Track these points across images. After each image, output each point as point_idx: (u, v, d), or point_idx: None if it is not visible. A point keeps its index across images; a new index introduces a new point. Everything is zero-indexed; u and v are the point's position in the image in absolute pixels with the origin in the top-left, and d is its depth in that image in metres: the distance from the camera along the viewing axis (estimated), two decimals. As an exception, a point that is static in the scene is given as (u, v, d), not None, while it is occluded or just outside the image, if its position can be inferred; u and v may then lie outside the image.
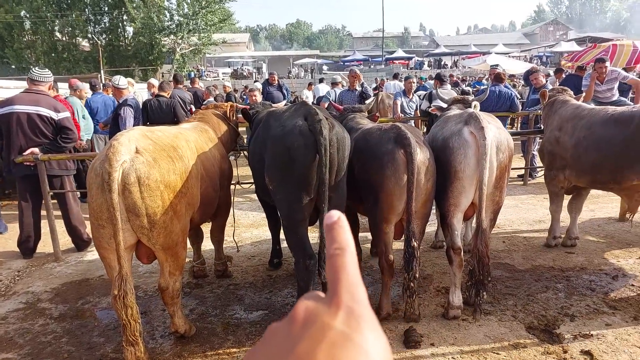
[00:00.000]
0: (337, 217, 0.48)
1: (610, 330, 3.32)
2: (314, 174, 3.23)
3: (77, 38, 36.84)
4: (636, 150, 3.71)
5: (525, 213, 6.48)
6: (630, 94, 11.32)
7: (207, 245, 4.93)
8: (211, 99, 10.32)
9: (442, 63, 42.30)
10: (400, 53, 46.72)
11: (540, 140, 5.92)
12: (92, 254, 5.43)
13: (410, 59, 43.04)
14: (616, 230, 5.51)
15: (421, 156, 3.27)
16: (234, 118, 4.89)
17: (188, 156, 3.32)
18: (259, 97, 8.66)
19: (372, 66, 42.15)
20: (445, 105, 4.89)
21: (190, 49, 39.47)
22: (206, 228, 4.71)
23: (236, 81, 35.07)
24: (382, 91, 11.76)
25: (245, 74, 40.70)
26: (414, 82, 8.54)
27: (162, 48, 37.90)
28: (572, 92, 5.35)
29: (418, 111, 8.25)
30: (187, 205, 3.24)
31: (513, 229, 5.79)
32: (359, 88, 8.48)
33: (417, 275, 3.22)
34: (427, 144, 3.53)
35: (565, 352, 3.11)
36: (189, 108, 8.62)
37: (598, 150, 4.04)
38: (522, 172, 8.37)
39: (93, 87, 8.59)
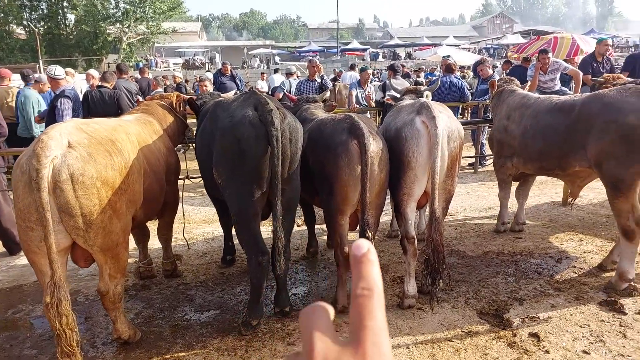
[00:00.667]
0: (366, 248, 0.44)
1: (556, 312, 3.44)
2: (266, 166, 3.11)
3: (11, 25, 34.38)
4: (577, 137, 3.83)
5: (475, 200, 6.65)
6: (571, 84, 11.95)
7: (155, 244, 4.69)
8: (160, 89, 9.88)
9: (397, 55, 42.99)
10: (355, 44, 46.96)
11: (490, 129, 6.07)
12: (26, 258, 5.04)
13: (365, 50, 43.36)
14: (560, 214, 5.76)
15: (374, 146, 3.22)
16: (181, 109, 4.66)
17: (129, 150, 3.10)
18: (209, 88, 8.39)
19: (327, 57, 42.11)
20: (398, 96, 4.88)
21: (138, 38, 37.85)
22: (153, 226, 4.47)
23: (188, 72, 33.98)
24: (339, 82, 11.71)
25: (197, 64, 39.45)
26: (370, 74, 8.53)
27: (107, 37, 36.16)
28: (518, 82, 5.50)
29: (372, 102, 8.26)
30: (128, 203, 3.03)
31: (464, 216, 5.92)
32: (318, 79, 8.38)
33: (371, 267, 3.18)
34: (380, 134, 3.49)
35: (514, 335, 3.19)
36: (135, 99, 8.21)
37: (544, 137, 4.16)
38: (473, 160, 8.62)
39: (25, 78, 7.98)
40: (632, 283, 3.61)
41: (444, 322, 3.42)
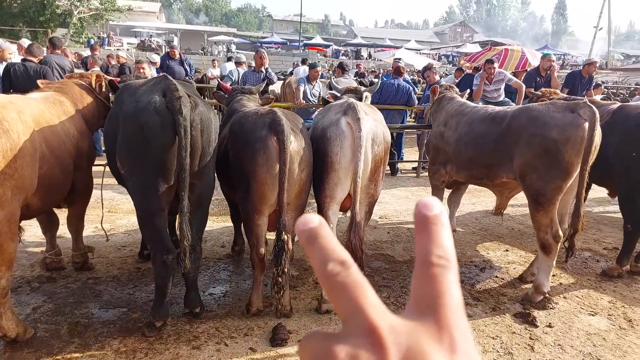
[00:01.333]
0: (438, 209, 0.38)
1: (470, 322, 3.44)
2: (173, 158, 2.88)
3: (-55, -14, 31.61)
4: (505, 148, 3.85)
5: (413, 204, 6.61)
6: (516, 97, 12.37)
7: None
8: (96, 68, 9.26)
9: (359, 54, 43.23)
10: (318, 40, 46.79)
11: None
12: None
13: (328, 46, 43.28)
14: (490, 223, 5.87)
15: (295, 145, 3.07)
16: (103, 90, 4.31)
17: (18, 131, 2.77)
18: (147, 71, 7.90)
19: (289, 50, 41.69)
20: (338, 95, 4.75)
21: (91, 13, 35.87)
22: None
23: (142, 53, 32.53)
24: (292, 76, 11.51)
25: (153, 46, 37.84)
26: (319, 71, 8.39)
27: (56, 9, 34.00)
28: (457, 90, 5.53)
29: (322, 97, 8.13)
30: (14, 189, 2.70)
31: (399, 220, 5.91)
32: (267, 68, 8.15)
33: (286, 270, 3.03)
34: (305, 132, 3.34)
35: (426, 345, 3.14)
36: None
37: (475, 146, 4.17)
38: (416, 164, 8.69)
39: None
40: (547, 296, 3.68)
41: (359, 329, 3.33)
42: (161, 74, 3.51)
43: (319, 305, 3.52)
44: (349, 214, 3.74)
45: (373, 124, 3.26)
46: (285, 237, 3.00)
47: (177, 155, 2.86)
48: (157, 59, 11.83)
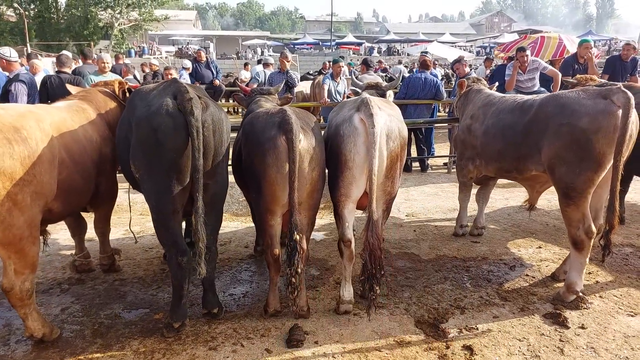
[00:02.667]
0: None
1: (496, 323, 3.27)
2: (186, 159, 2.90)
3: (1, 7, 33.74)
4: (533, 139, 3.65)
5: (442, 201, 6.47)
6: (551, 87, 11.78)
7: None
8: (130, 76, 9.58)
9: (392, 50, 42.67)
10: (350, 38, 46.59)
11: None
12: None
13: (360, 44, 43.02)
14: (523, 219, 5.59)
15: (305, 143, 3.01)
16: (126, 97, 4.42)
17: (37, 138, 2.87)
18: (176, 77, 8.11)
19: (322, 50, 41.71)
20: (359, 91, 4.66)
21: (130, 24, 37.30)
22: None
23: (179, 60, 33.53)
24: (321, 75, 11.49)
25: (190, 52, 38.92)
26: (342, 66, 8.30)
27: (99, 22, 35.62)
28: (485, 82, 5.31)
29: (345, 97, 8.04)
30: (33, 195, 2.80)
31: (427, 218, 5.74)
32: (288, 71, 8.17)
33: (300, 271, 2.98)
34: (317, 130, 3.28)
35: (447, 347, 3.01)
36: (101, 86, 7.93)
37: (503, 137, 3.98)
38: (447, 160, 8.43)
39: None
40: (580, 295, 3.45)
41: (377, 330, 3.24)
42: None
43: (337, 306, 3.45)
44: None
45: (387, 119, 3.16)
46: (298, 237, 2.95)
47: (190, 157, 2.88)
48: (189, 64, 12.14)
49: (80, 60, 9.53)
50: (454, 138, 4.88)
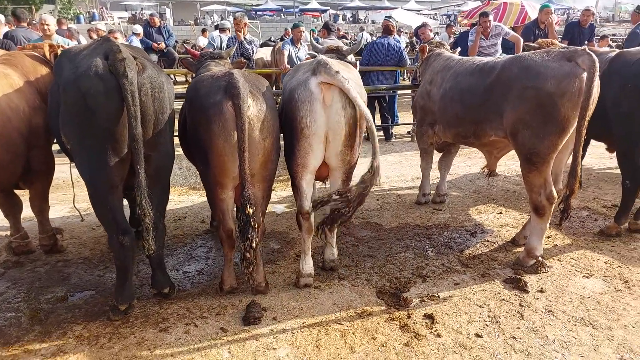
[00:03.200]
0: None
1: (457, 290, 3.23)
2: (122, 128, 2.61)
3: None
4: (494, 102, 3.53)
5: (405, 170, 6.39)
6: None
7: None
8: (74, 42, 8.83)
9: (357, 18, 41.93)
10: (314, 4, 45.27)
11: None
12: None
13: (324, 11, 41.96)
14: (484, 185, 5.59)
15: (255, 109, 2.77)
16: (60, 61, 3.99)
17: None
18: (120, 40, 7.51)
19: (284, 17, 40.47)
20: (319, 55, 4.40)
21: (78, -13, 34.93)
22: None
23: (133, 27, 31.73)
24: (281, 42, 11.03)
25: (145, 18, 36.81)
26: (303, 31, 7.93)
27: (41, -16, 33.11)
28: (448, 47, 5.16)
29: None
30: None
31: (389, 187, 5.65)
32: (246, 38, 7.72)
33: (254, 245, 2.79)
34: (270, 95, 3.03)
35: (409, 317, 2.94)
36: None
37: (461, 101, 3.86)
38: (412, 128, 8.35)
39: None
40: (539, 259, 3.45)
41: (338, 303, 3.13)
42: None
43: (297, 280, 3.31)
44: (328, 184, 3.50)
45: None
46: (251, 210, 2.74)
47: (126, 125, 2.59)
48: (139, 29, 11.38)
49: (13, 24, 8.69)
50: (413, 104, 4.74)
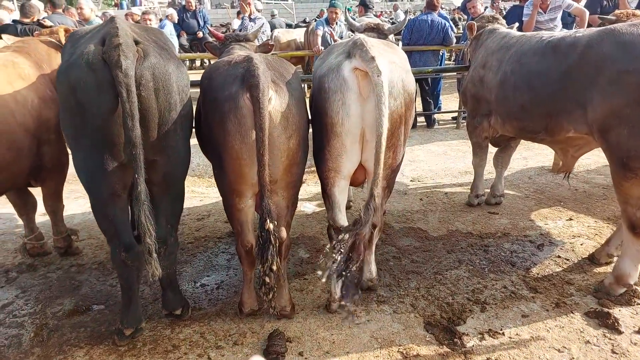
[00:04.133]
0: None
1: (527, 326, 2.62)
2: (120, 128, 2.15)
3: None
4: (575, 89, 2.84)
5: (452, 162, 5.72)
6: (574, 28, 10.64)
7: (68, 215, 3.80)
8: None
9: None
10: (351, -17, 44.00)
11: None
12: None
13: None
14: (548, 183, 4.86)
15: (277, 103, 2.25)
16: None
17: None
18: (155, 24, 7.14)
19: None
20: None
21: (119, -28, 35.44)
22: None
23: (167, 10, 31.82)
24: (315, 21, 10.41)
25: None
26: (338, 11, 7.28)
27: (82, -32, 33.80)
28: (504, 22, 4.42)
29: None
30: None
31: (435, 183, 5.02)
32: (251, 17, 7.18)
33: (276, 267, 2.30)
34: (297, 84, 2.50)
35: (466, 361, 2.38)
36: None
37: (529, 88, 3.17)
38: (456, 114, 7.59)
39: None
40: (633, 287, 2.77)
41: (378, 336, 2.61)
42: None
43: (329, 304, 2.81)
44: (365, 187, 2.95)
45: (388, 67, 2.36)
46: (271, 226, 2.24)
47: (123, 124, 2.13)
48: (171, 11, 11.03)
49: (48, 10, 8.51)
50: (462, 91, 4.07)
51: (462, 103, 4.07)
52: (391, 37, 3.81)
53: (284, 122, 2.27)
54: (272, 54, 6.89)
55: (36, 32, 4.13)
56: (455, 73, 7.50)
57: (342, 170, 2.52)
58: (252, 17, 7.10)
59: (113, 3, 34.18)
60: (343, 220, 2.63)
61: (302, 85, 2.63)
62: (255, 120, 2.12)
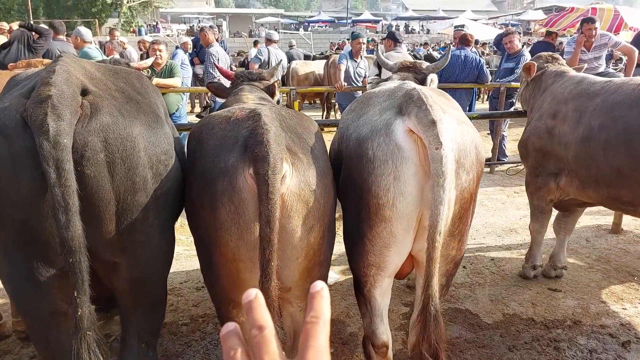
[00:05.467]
0: (320, 287, 0.52)
1: None
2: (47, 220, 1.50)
3: (7, -17, 33.22)
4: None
5: (492, 216, 5.02)
6: (610, 65, 10.03)
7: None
8: (115, 55, 8.18)
9: (410, 28, 40.78)
10: (367, 15, 44.45)
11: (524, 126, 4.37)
12: None
13: (377, 22, 40.99)
14: (610, 248, 4.12)
15: (294, 182, 1.61)
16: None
17: None
18: (164, 54, 6.62)
19: (336, 28, 39.89)
20: (388, 74, 3.21)
21: (140, 1, 36.40)
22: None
23: (181, 38, 32.38)
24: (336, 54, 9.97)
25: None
26: (364, 42, 6.77)
27: (107, 0, 34.98)
28: (564, 62, 3.81)
29: (366, 79, 6.53)
30: None
31: (477, 244, 4.30)
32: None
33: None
34: (322, 148, 1.86)
35: None
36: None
37: (627, 148, 2.52)
38: (489, 155, 6.92)
39: None
40: None
41: None
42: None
43: None
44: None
45: (457, 130, 1.73)
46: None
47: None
48: (185, 39, 10.69)
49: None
50: (521, 143, 3.42)
51: (521, 157, 3.40)
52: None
53: (303, 209, 1.62)
54: (291, 89, 6.30)
55: (10, 64, 3.60)
56: (515, 118, 6.84)
57: (388, 267, 1.85)
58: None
59: (131, 29, 34.87)
60: (385, 332, 1.93)
61: (326, 146, 1.96)
62: (261, 210, 1.47)
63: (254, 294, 0.51)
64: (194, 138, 1.83)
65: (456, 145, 1.69)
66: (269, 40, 8.18)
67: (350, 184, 1.88)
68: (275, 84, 2.96)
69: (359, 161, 1.81)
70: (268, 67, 6.91)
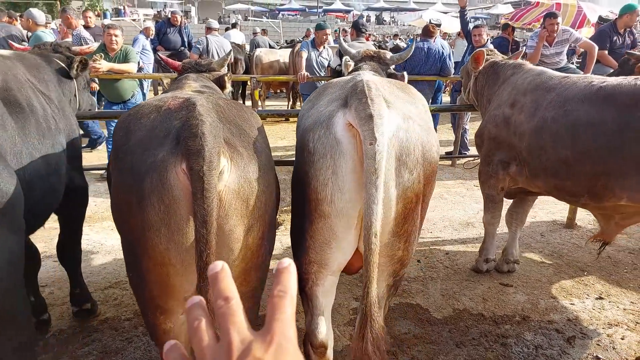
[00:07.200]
0: (287, 263, 0.53)
1: None
2: None
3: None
4: (635, 148, 2.24)
5: (450, 209, 5.03)
6: (573, 60, 10.26)
7: None
8: (69, 38, 7.71)
9: (381, 19, 40.89)
10: (338, 5, 44.14)
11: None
12: None
13: (348, 12, 40.82)
14: (564, 242, 4.19)
15: (232, 178, 1.48)
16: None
17: None
18: (120, 41, 6.21)
19: (307, 17, 39.53)
20: (351, 64, 3.11)
21: (105, -17, 34.97)
22: None
23: (143, 23, 31.35)
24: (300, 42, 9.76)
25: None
26: (328, 34, 6.62)
27: (71, -19, 33.32)
28: (497, 52, 3.95)
29: (329, 69, 6.40)
30: None
31: (433, 237, 4.29)
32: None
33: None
34: (262, 142, 1.74)
35: None
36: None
37: (574, 142, 2.54)
38: (451, 149, 6.96)
39: None
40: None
41: None
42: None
43: None
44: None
45: (401, 126, 1.63)
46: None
47: None
48: (148, 24, 10.20)
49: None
50: (477, 133, 3.40)
51: (477, 147, 3.38)
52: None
53: (242, 207, 1.49)
54: (252, 77, 6.07)
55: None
56: (469, 111, 6.86)
57: (330, 264, 1.76)
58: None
59: (96, 13, 33.37)
60: (326, 332, 1.84)
61: (269, 142, 1.84)
62: (196, 209, 1.34)
63: (220, 266, 0.51)
64: (121, 129, 1.66)
65: (397, 142, 1.60)
66: (209, 29, 7.92)
67: (295, 177, 1.78)
68: (226, 77, 2.79)
69: (302, 153, 1.70)
70: (207, 56, 6.65)
